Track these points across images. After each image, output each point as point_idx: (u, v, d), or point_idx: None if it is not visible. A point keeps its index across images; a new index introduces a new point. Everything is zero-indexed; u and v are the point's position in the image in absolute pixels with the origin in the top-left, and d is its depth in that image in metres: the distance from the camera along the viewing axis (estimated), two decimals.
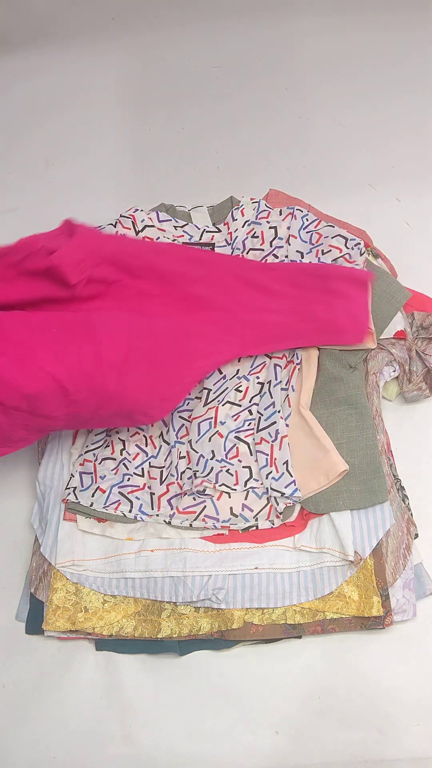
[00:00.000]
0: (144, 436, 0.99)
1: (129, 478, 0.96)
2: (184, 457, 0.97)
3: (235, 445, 0.97)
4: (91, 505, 0.95)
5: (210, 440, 0.96)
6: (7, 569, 1.01)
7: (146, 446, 0.99)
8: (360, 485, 0.94)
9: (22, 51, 1.48)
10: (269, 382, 1.00)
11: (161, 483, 0.97)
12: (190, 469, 0.96)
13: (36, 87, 1.45)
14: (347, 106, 1.38)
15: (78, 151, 1.37)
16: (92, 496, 0.96)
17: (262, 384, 1.01)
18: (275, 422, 0.97)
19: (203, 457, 0.95)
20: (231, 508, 0.94)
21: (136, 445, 0.98)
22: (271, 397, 0.98)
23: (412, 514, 0.97)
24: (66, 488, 0.97)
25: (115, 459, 0.97)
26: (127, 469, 0.97)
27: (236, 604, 0.91)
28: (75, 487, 0.97)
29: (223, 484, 0.94)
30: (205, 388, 0.99)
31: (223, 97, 1.41)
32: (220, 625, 0.92)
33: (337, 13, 1.47)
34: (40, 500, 0.99)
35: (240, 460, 0.96)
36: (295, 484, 0.93)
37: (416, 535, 0.95)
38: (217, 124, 1.38)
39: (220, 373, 1.01)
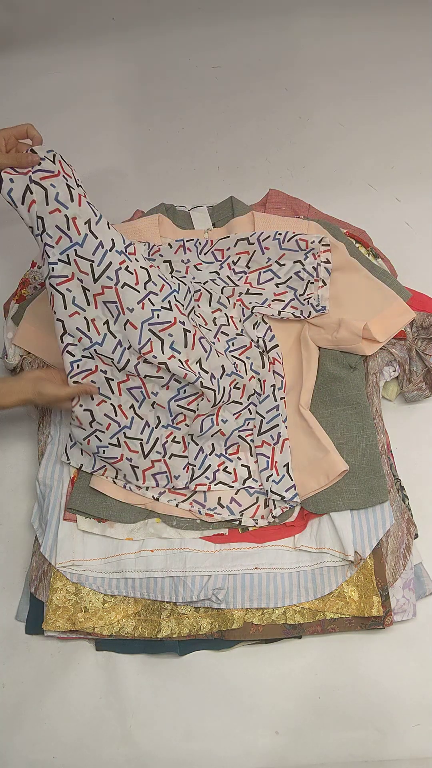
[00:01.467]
0: (111, 405, 0.97)
1: (104, 450, 0.96)
2: (179, 442, 0.97)
3: (237, 443, 0.97)
4: (81, 467, 0.98)
5: (212, 436, 0.97)
6: (7, 569, 1.01)
7: (116, 416, 0.98)
8: (360, 485, 0.94)
9: (22, 51, 1.48)
10: (273, 386, 1.00)
11: (144, 457, 0.97)
12: (185, 457, 0.96)
13: (36, 87, 1.45)
14: (347, 106, 1.38)
15: (78, 151, 1.37)
16: (81, 455, 0.98)
17: (260, 381, 1.01)
18: (277, 425, 0.97)
19: (202, 452, 0.95)
20: (219, 498, 0.95)
21: (105, 415, 0.97)
22: (275, 401, 0.98)
23: (412, 514, 0.97)
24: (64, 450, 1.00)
25: (84, 430, 0.97)
26: (101, 441, 0.97)
27: (236, 604, 0.91)
28: (66, 445, 0.99)
29: (220, 482, 0.95)
30: (209, 389, 0.99)
31: (223, 97, 1.41)
32: (220, 625, 0.92)
33: (337, 14, 1.47)
34: (40, 500, 0.99)
35: (239, 458, 0.97)
36: (295, 489, 0.93)
37: (416, 535, 0.95)
38: (217, 124, 1.38)
39: (223, 369, 1.01)
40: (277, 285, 1.05)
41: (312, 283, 1.03)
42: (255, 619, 0.92)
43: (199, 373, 0.96)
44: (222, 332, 1.03)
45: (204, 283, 1.06)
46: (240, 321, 1.05)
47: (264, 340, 1.04)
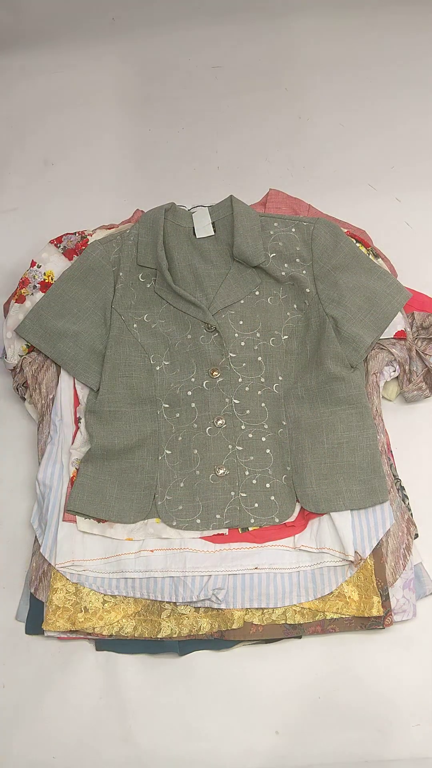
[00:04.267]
0: None
1: None
2: None
3: None
4: None
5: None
6: (7, 569, 1.02)
7: None
8: (360, 485, 0.94)
9: (22, 51, 1.48)
10: None
11: None
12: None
13: (36, 87, 1.45)
14: (347, 106, 1.38)
15: (78, 151, 1.37)
16: None
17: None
18: None
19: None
20: None
21: None
22: None
23: (412, 514, 0.97)
24: None
25: None
26: None
27: (236, 604, 0.91)
28: None
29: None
30: None
31: (223, 97, 1.41)
32: (220, 625, 0.92)
33: (337, 14, 1.47)
34: (40, 500, 0.99)
35: None
36: None
37: (416, 535, 0.96)
38: (217, 124, 1.38)
39: None
40: None
41: None
42: (255, 619, 0.92)
43: None
44: None
45: None
46: None
47: None
